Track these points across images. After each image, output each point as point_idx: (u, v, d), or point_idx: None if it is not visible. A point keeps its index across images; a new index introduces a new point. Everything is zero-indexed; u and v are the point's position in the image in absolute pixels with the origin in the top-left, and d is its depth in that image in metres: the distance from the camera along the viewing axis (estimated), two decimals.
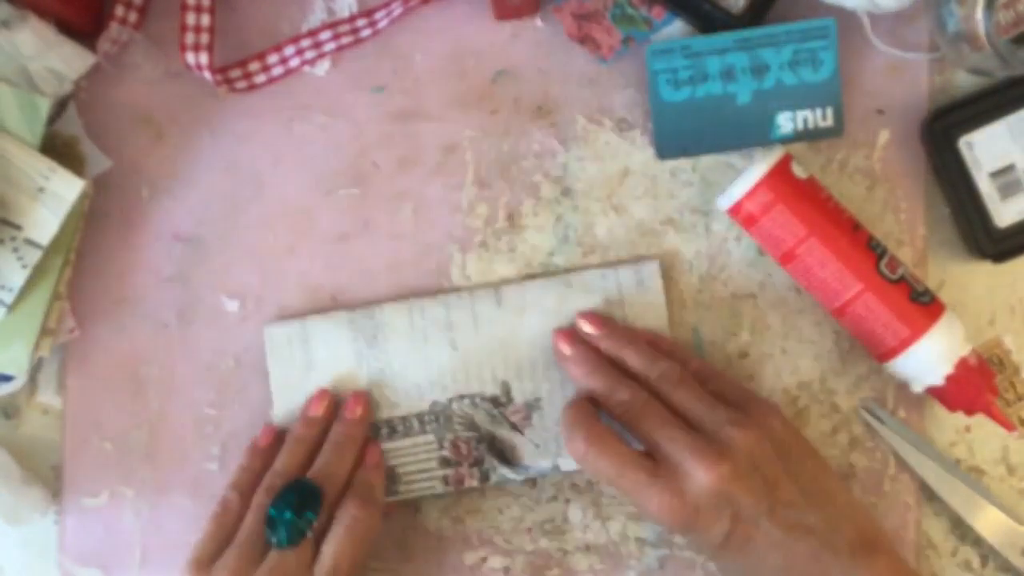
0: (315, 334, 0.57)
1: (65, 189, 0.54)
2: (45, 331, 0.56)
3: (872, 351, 0.55)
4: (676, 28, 0.57)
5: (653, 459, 0.51)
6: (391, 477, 0.56)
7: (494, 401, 0.57)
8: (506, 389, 0.57)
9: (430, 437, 0.56)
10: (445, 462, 0.56)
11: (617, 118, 0.58)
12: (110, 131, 0.58)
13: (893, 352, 0.53)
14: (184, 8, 0.56)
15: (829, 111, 0.56)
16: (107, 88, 0.58)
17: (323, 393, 0.56)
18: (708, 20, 0.56)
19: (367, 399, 0.56)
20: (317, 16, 0.58)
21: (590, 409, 0.53)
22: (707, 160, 0.58)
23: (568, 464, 0.56)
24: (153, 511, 0.58)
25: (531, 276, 0.58)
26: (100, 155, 0.58)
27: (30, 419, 0.59)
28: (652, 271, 0.57)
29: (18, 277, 0.54)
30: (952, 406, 0.54)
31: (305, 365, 0.57)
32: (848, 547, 0.49)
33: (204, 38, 0.56)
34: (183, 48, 0.56)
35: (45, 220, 0.54)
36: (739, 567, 0.50)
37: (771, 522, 0.49)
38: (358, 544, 0.51)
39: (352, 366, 0.57)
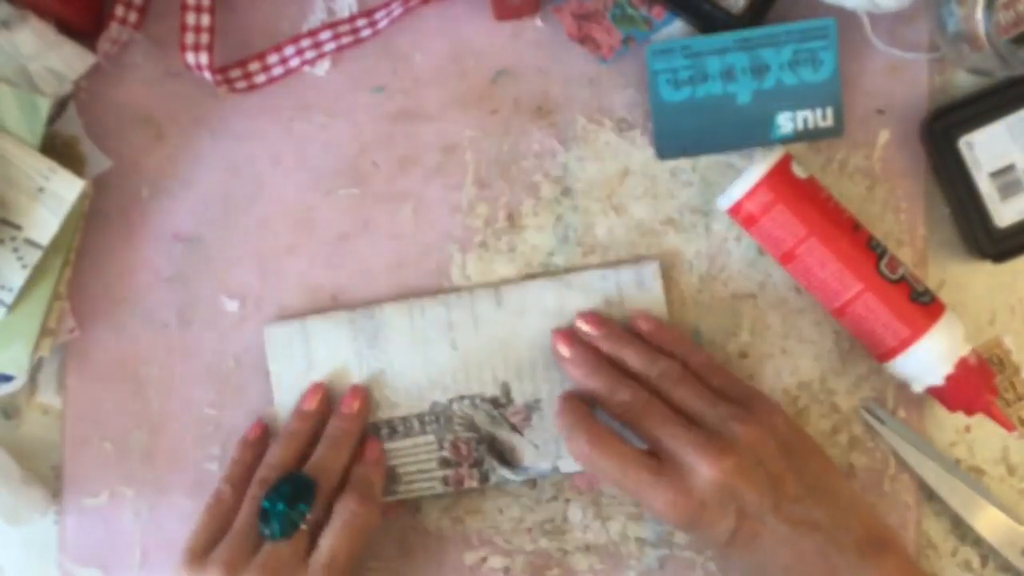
0: (315, 334, 0.57)
1: (65, 189, 0.54)
2: (45, 331, 0.56)
3: (872, 351, 0.55)
4: (676, 28, 0.57)
5: (656, 457, 0.51)
6: (391, 477, 0.56)
7: (494, 402, 0.57)
8: (506, 390, 0.57)
9: (430, 438, 0.56)
10: (445, 463, 0.56)
11: (617, 118, 0.58)
12: (110, 131, 0.58)
13: (893, 352, 0.53)
14: (184, 8, 0.56)
15: (829, 111, 0.56)
16: (107, 88, 0.58)
17: (317, 387, 0.56)
18: (708, 20, 0.56)
19: (364, 394, 0.56)
20: (317, 16, 0.58)
21: (586, 409, 0.53)
22: (707, 160, 0.58)
23: (568, 465, 0.56)
24: (153, 511, 0.58)
25: (531, 276, 0.58)
26: (100, 155, 0.58)
27: (30, 419, 0.59)
28: (652, 272, 0.57)
29: (18, 277, 0.54)
30: (952, 406, 0.54)
31: (306, 365, 0.57)
32: (856, 545, 0.49)
33: (204, 38, 0.56)
34: (183, 48, 0.56)
35: (45, 220, 0.54)
36: (746, 565, 0.50)
37: (776, 518, 0.49)
38: (355, 538, 0.52)
39: (352, 366, 0.57)
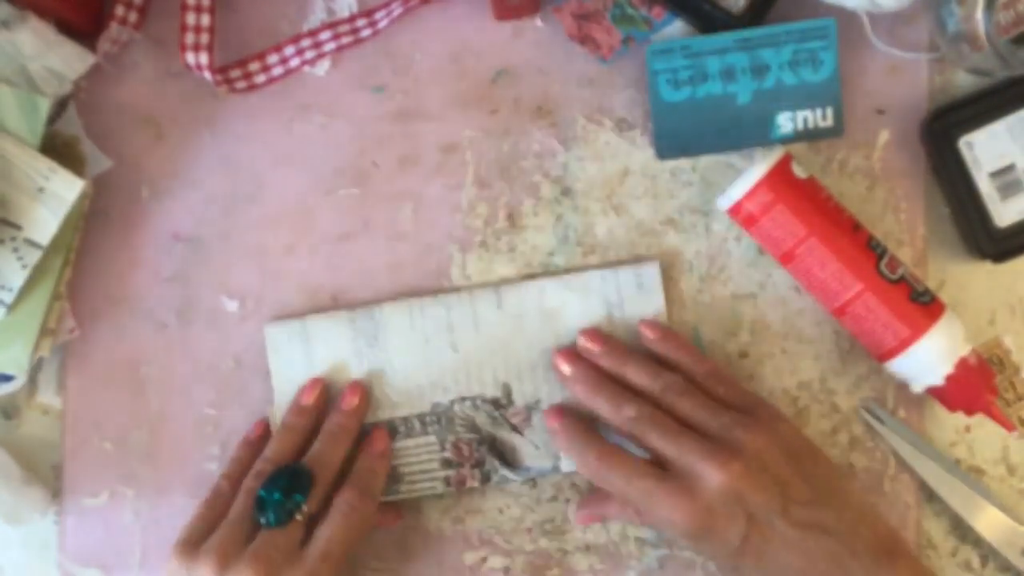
0: (315, 333, 0.57)
1: (65, 189, 0.54)
2: (45, 331, 0.56)
3: (872, 351, 0.55)
4: (676, 28, 0.57)
5: (663, 468, 0.51)
6: (393, 477, 0.56)
7: (495, 403, 0.57)
8: (507, 391, 0.57)
9: (432, 438, 0.56)
10: (447, 463, 0.56)
11: (617, 118, 0.58)
12: (110, 131, 0.58)
13: (893, 352, 0.53)
14: (184, 8, 0.56)
15: (829, 111, 0.56)
16: (107, 88, 0.58)
17: (315, 382, 0.56)
18: (708, 20, 0.56)
19: (364, 390, 0.56)
20: (317, 16, 0.58)
21: (590, 427, 0.54)
22: (707, 160, 0.58)
23: (568, 465, 0.56)
24: (153, 511, 0.58)
25: (531, 276, 0.58)
26: (100, 155, 0.58)
27: (30, 419, 0.59)
28: (652, 273, 0.57)
29: (18, 277, 0.54)
30: (952, 406, 0.54)
31: (306, 364, 0.57)
32: (868, 550, 0.49)
33: (204, 38, 0.56)
34: (183, 48, 0.56)
35: (45, 220, 0.54)
36: (758, 574, 0.50)
37: (786, 521, 0.49)
38: (352, 532, 0.52)
39: (352, 365, 0.57)
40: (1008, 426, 0.54)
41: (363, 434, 0.56)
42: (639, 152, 0.58)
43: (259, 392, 0.58)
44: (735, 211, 0.55)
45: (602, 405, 0.53)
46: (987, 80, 0.56)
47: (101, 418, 0.58)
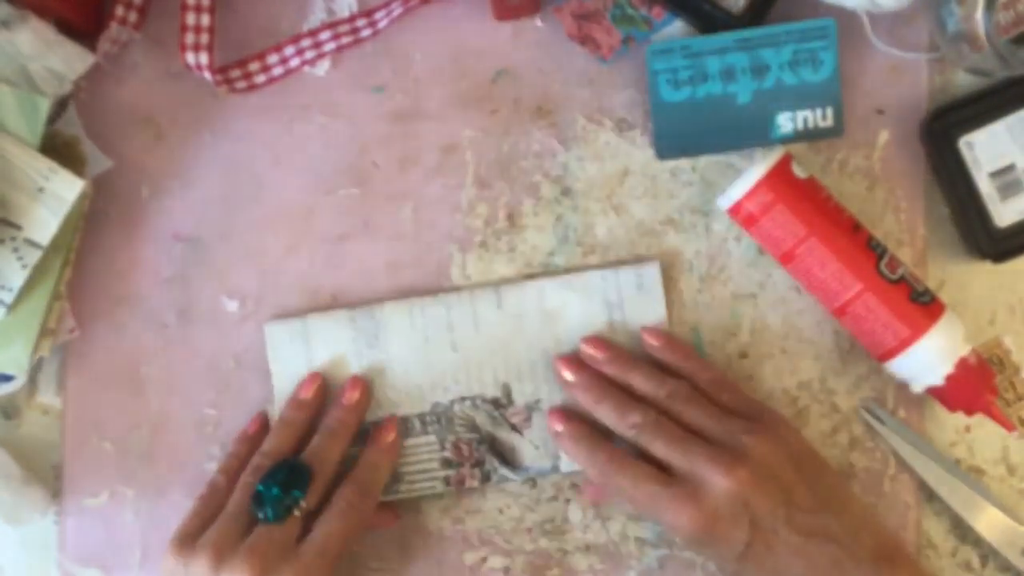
0: (316, 332, 0.57)
1: (65, 189, 0.54)
2: (45, 331, 0.56)
3: (872, 351, 0.55)
4: (676, 28, 0.57)
5: (670, 474, 0.51)
6: (392, 476, 0.56)
7: (495, 403, 0.57)
8: (507, 391, 0.57)
9: (432, 438, 0.57)
10: (447, 463, 0.56)
11: (617, 118, 0.58)
12: (110, 131, 0.58)
13: (893, 352, 0.53)
14: (184, 8, 0.56)
15: (829, 111, 0.56)
16: (107, 88, 0.58)
17: (314, 376, 0.56)
18: (708, 20, 0.56)
19: (364, 385, 0.56)
20: (317, 16, 0.58)
21: (595, 430, 0.54)
22: (707, 160, 0.58)
23: (568, 465, 0.56)
24: (153, 511, 0.58)
25: (531, 276, 0.58)
26: (100, 155, 0.58)
27: (30, 419, 0.59)
28: (653, 274, 0.57)
29: (18, 277, 0.54)
30: (952, 406, 0.54)
31: (306, 363, 0.57)
32: (870, 557, 0.49)
33: (204, 38, 0.56)
34: (183, 48, 0.56)
35: (45, 220, 0.54)
36: None
37: (789, 528, 0.49)
38: (350, 529, 0.52)
39: (353, 364, 0.57)
40: (1008, 426, 0.54)
41: (363, 433, 0.56)
42: (639, 152, 0.58)
43: (259, 392, 0.58)
44: (735, 211, 0.55)
45: (606, 412, 0.53)
46: (987, 80, 0.56)
47: (101, 418, 0.58)
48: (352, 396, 0.56)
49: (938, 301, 0.53)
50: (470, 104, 0.58)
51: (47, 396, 0.59)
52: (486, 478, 0.56)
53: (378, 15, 0.57)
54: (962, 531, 0.57)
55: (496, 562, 0.57)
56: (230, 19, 0.58)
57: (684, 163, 0.58)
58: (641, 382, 0.54)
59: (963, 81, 0.57)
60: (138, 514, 0.58)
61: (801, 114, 0.56)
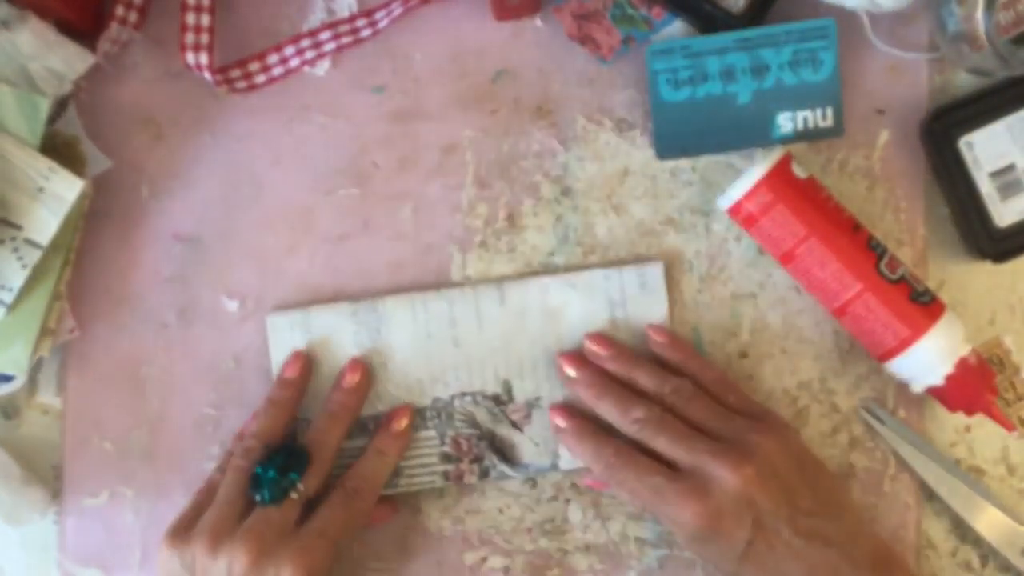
0: (317, 324, 0.57)
1: (65, 189, 0.54)
2: (45, 331, 0.56)
3: (872, 351, 0.55)
4: (676, 28, 0.57)
5: (674, 469, 0.51)
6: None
7: (495, 399, 0.57)
8: (507, 388, 0.57)
9: (431, 432, 0.57)
10: (446, 458, 0.56)
11: (617, 118, 0.58)
12: (110, 131, 0.58)
13: (893, 352, 0.53)
14: (184, 8, 0.56)
15: (829, 111, 0.56)
16: (107, 88, 0.58)
17: (298, 355, 0.56)
18: (708, 20, 0.56)
19: (365, 367, 0.56)
20: (317, 16, 0.58)
21: (599, 427, 0.54)
22: (707, 160, 0.58)
23: (567, 463, 0.56)
24: (153, 511, 0.58)
25: (533, 274, 0.58)
26: (100, 155, 0.58)
27: (30, 419, 0.59)
28: (656, 274, 0.57)
29: (18, 277, 0.54)
30: (952, 406, 0.54)
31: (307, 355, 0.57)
32: (867, 562, 0.49)
33: (204, 38, 0.56)
34: (183, 48, 0.56)
35: (45, 220, 0.54)
36: None
37: (791, 529, 0.49)
38: (351, 515, 0.52)
39: (354, 357, 0.57)
40: (1008, 426, 0.54)
41: (362, 426, 0.56)
42: (639, 152, 0.58)
43: (259, 392, 0.58)
44: (735, 211, 0.55)
45: (609, 408, 0.53)
46: (987, 80, 0.56)
47: (101, 418, 0.58)
48: (352, 379, 0.55)
49: (938, 301, 0.53)
50: (470, 104, 0.58)
51: (47, 396, 0.59)
52: (485, 474, 0.56)
53: (378, 15, 0.57)
54: (962, 531, 0.57)
55: (496, 562, 0.57)
56: (230, 19, 0.58)
57: (684, 163, 0.58)
58: (645, 379, 0.54)
59: (963, 81, 0.57)
60: (138, 514, 0.58)
61: (801, 114, 0.56)
